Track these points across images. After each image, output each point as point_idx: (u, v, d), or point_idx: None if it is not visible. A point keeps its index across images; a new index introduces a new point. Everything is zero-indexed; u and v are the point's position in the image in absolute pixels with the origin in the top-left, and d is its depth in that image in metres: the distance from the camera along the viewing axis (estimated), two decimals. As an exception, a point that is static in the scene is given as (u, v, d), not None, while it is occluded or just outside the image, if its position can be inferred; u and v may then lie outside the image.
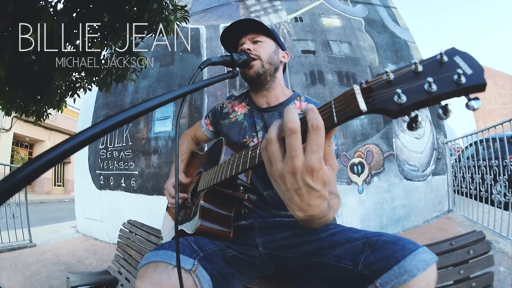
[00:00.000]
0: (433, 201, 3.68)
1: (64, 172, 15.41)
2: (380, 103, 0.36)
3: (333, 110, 0.41)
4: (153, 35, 2.36)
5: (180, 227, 0.95)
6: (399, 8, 4.97)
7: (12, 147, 11.59)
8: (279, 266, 0.86)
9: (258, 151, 0.54)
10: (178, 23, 2.52)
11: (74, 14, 1.96)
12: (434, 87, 0.33)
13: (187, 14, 2.59)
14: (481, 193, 3.01)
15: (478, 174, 3.13)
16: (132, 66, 2.78)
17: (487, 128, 3.04)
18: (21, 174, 0.27)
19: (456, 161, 4.03)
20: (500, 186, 2.66)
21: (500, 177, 2.67)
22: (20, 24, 1.84)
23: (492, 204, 2.80)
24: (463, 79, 0.31)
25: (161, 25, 2.26)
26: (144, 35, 2.38)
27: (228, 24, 1.07)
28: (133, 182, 3.91)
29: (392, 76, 0.36)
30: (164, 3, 2.24)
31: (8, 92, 2.41)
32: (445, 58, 0.34)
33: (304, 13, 4.44)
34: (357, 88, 0.39)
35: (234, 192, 0.85)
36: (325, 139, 0.42)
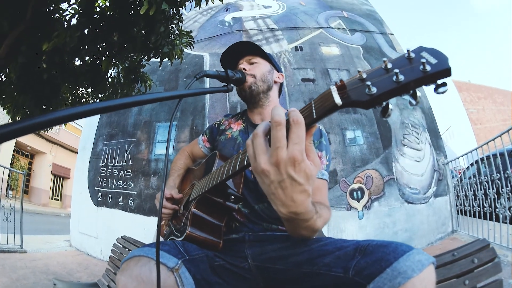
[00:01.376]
0: (436, 223, 3.61)
1: (62, 186, 15.29)
2: (353, 96, 0.40)
3: (313, 108, 0.46)
4: (159, 58, 2.47)
5: (170, 237, 0.94)
6: (397, 33, 5.19)
7: (13, 154, 11.54)
8: (268, 278, 0.83)
9: (246, 153, 0.57)
10: (183, 47, 2.62)
11: (86, 31, 2.06)
12: (401, 77, 0.36)
13: (192, 39, 2.69)
14: (485, 209, 2.97)
15: (481, 190, 3.11)
16: (137, 86, 2.88)
17: (487, 142, 3.06)
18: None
19: (458, 181, 4.01)
20: (504, 200, 2.63)
21: (503, 190, 2.65)
22: (35, 32, 1.94)
23: (497, 219, 2.76)
24: (428, 67, 0.35)
25: (166, 49, 2.36)
26: (151, 57, 2.49)
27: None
28: (131, 201, 3.88)
29: (364, 75, 0.40)
30: (170, 28, 2.35)
31: (17, 96, 2.47)
32: (412, 55, 0.38)
33: (304, 42, 4.62)
34: (333, 87, 0.43)
35: (225, 201, 0.85)
36: (307, 135, 0.46)
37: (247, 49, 1.12)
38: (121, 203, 3.95)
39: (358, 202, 3.48)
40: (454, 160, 4.34)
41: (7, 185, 4.50)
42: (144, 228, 3.62)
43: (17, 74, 2.22)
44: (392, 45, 4.94)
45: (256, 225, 0.93)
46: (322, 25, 4.92)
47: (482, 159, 3.21)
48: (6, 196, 3.87)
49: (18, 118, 2.68)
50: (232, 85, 0.92)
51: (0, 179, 3.71)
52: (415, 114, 4.11)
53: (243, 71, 1.05)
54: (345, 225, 3.36)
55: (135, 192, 3.90)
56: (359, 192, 3.52)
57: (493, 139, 2.92)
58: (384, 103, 0.38)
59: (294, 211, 0.49)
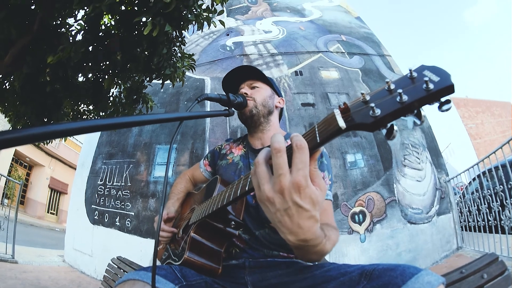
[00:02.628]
0: (440, 241, 3.54)
1: (59, 201, 15.06)
2: (357, 119, 0.39)
3: (316, 132, 0.45)
4: (161, 79, 2.49)
5: (168, 261, 0.91)
6: (392, 52, 5.28)
7: (11, 163, 11.37)
8: None
9: (248, 179, 0.56)
10: (185, 70, 2.64)
11: (90, 48, 2.09)
12: (405, 97, 0.35)
13: (193, 62, 2.72)
14: (490, 222, 2.94)
15: (484, 204, 3.09)
16: (138, 107, 2.90)
17: (488, 155, 3.06)
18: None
19: (460, 198, 3.97)
20: (509, 211, 2.60)
21: (507, 201, 2.62)
22: (41, 44, 1.95)
23: (503, 232, 2.72)
24: (431, 86, 0.34)
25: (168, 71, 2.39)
26: (153, 78, 2.52)
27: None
28: (128, 222, 3.80)
29: (368, 97, 0.40)
30: (173, 50, 2.39)
31: (19, 106, 2.48)
32: (415, 74, 0.37)
33: (304, 66, 4.69)
34: (336, 110, 0.42)
35: (226, 227, 0.83)
36: (311, 160, 0.45)
37: (249, 73, 1.14)
38: (118, 223, 3.87)
39: (360, 225, 3.42)
40: (456, 176, 4.33)
41: (3, 193, 4.44)
42: (141, 250, 3.53)
43: (21, 84, 2.23)
44: (390, 66, 5.02)
45: (257, 251, 0.91)
46: (321, 49, 5.03)
47: (484, 173, 3.20)
48: (1, 204, 3.79)
49: (19, 128, 2.68)
50: (233, 109, 0.92)
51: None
52: (414, 134, 4.13)
53: (244, 95, 1.06)
54: (347, 249, 3.29)
55: (133, 213, 3.82)
56: (360, 216, 3.47)
57: (494, 152, 2.92)
58: (389, 125, 0.37)
59: (303, 238, 0.48)
